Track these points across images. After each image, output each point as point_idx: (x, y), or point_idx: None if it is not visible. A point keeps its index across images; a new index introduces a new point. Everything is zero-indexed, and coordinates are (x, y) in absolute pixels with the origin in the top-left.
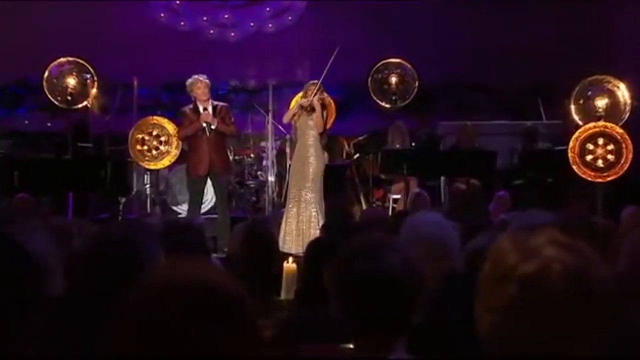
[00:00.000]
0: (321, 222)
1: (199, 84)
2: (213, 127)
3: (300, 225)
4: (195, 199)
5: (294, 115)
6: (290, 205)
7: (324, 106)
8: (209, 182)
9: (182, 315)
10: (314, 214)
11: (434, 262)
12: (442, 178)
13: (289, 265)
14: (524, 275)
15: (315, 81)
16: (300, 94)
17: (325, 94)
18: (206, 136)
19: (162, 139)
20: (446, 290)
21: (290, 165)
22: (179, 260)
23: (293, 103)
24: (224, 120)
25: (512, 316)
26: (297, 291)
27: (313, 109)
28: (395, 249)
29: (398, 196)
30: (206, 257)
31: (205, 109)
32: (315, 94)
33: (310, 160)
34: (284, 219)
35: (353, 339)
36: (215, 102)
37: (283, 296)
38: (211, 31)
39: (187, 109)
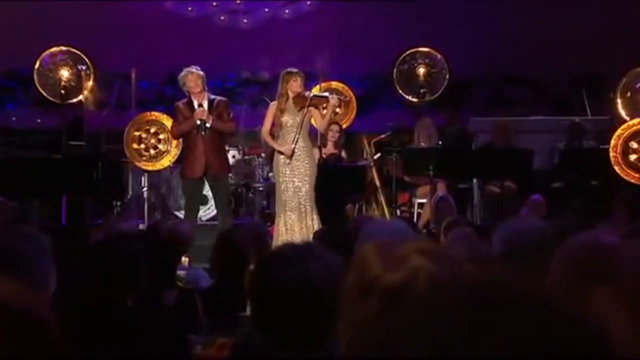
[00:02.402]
0: (317, 225)
1: (189, 76)
2: (208, 125)
3: (302, 232)
4: (192, 203)
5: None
6: (287, 213)
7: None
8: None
9: None
10: (315, 219)
11: None
12: (475, 180)
13: None
14: (389, 287)
15: (295, 70)
16: (276, 103)
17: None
18: (201, 135)
19: (161, 136)
20: None
21: (276, 164)
22: None
23: (269, 112)
24: (220, 117)
25: (374, 331)
26: None
27: (304, 107)
28: (317, 257)
29: (424, 200)
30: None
31: (200, 104)
32: (302, 126)
33: (304, 168)
34: (280, 227)
35: (270, 353)
36: (212, 96)
37: (248, 311)
38: (222, 17)
39: (181, 103)
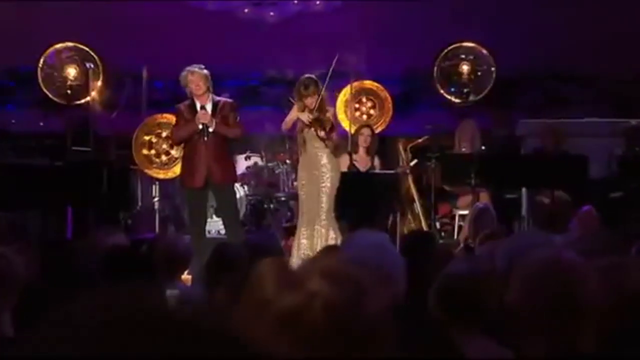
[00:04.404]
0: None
1: (190, 76)
2: (211, 129)
3: (314, 249)
4: (195, 216)
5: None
6: (304, 225)
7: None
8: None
9: None
10: (332, 235)
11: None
12: (523, 190)
13: None
14: (281, 310)
15: (312, 76)
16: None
17: (328, 109)
18: (203, 140)
19: None
20: None
21: (299, 177)
22: None
23: (294, 109)
24: (225, 120)
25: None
26: None
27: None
28: None
29: (465, 212)
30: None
31: (202, 107)
32: (315, 108)
33: (324, 177)
34: (297, 241)
35: None
36: (217, 98)
37: None
38: (245, 10)
39: (183, 105)
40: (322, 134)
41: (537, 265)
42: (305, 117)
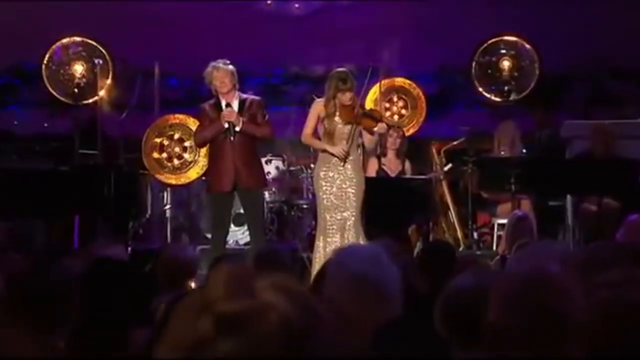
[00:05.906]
0: None
1: (215, 73)
2: (238, 128)
3: None
4: (219, 223)
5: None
6: (329, 235)
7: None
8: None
9: None
10: (361, 242)
11: (366, 306)
12: (568, 197)
13: None
14: (224, 313)
15: (345, 70)
16: (322, 102)
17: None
18: (229, 140)
19: (187, 144)
20: (380, 341)
21: (317, 176)
22: None
23: (313, 113)
24: (253, 119)
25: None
26: None
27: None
28: None
29: (505, 221)
30: None
31: (228, 104)
32: (356, 105)
33: (348, 183)
34: (319, 252)
35: None
36: (244, 95)
37: None
38: (268, 2)
39: (207, 104)
40: (381, 125)
41: (517, 279)
42: (339, 150)
